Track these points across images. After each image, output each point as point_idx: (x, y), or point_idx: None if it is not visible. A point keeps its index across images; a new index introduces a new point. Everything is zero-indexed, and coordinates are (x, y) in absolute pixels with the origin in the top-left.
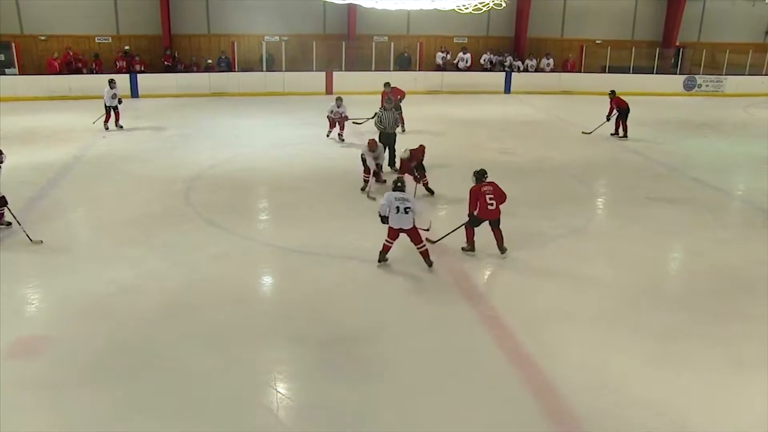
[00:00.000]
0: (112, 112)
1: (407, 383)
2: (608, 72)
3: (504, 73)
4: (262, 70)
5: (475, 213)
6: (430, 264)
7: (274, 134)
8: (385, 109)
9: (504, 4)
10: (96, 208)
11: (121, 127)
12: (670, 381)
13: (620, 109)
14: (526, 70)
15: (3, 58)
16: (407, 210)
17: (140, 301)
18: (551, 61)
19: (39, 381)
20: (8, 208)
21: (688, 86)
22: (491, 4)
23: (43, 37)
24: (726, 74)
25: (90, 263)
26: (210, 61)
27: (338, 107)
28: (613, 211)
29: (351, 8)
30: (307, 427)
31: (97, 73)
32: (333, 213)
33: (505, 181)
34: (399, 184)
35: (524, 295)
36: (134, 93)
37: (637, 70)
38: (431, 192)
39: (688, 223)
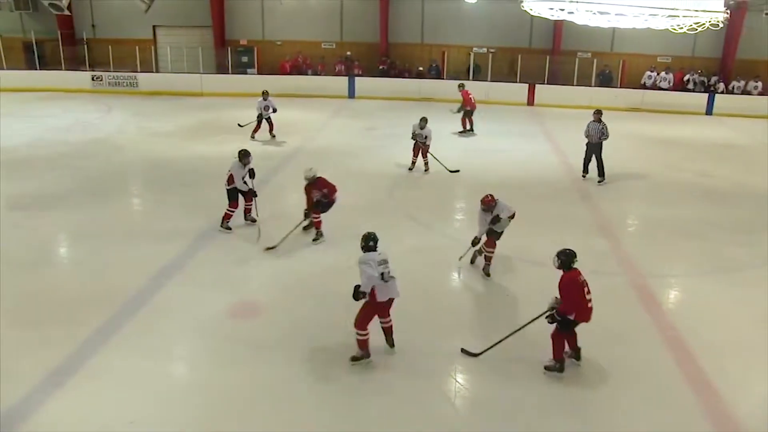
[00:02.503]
0: (265, 123)
1: (582, 392)
2: None
3: (707, 94)
4: (468, 79)
5: (572, 316)
6: (391, 344)
7: (475, 141)
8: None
9: (721, 25)
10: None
11: (274, 136)
12: None
13: None
14: (731, 92)
15: (246, 60)
16: (390, 274)
17: (340, 283)
18: (759, 84)
19: (249, 339)
20: (255, 202)
21: None
22: (707, 25)
23: (279, 42)
24: None
25: (300, 244)
26: (421, 68)
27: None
28: None
29: (557, 23)
30: (476, 421)
31: (320, 74)
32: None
33: (701, 204)
34: (371, 241)
35: (709, 320)
36: (351, 94)
37: None
38: (318, 235)
39: None
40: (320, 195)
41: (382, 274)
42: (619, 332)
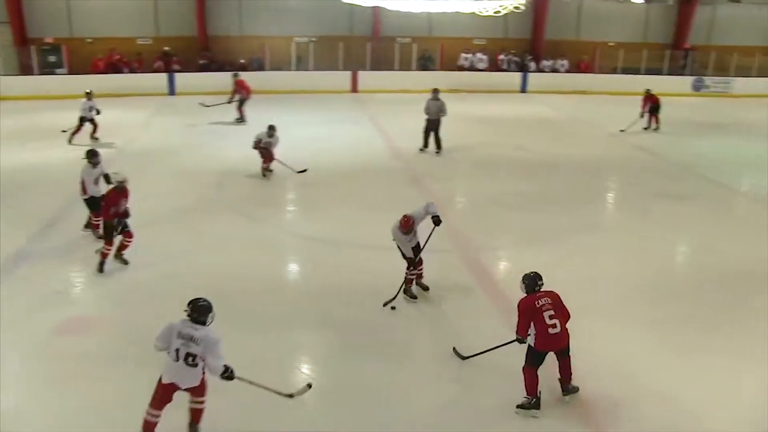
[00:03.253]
0: (88, 125)
1: (426, 367)
2: (621, 73)
3: (520, 73)
4: (291, 70)
5: (532, 344)
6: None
7: (302, 130)
8: None
9: (522, 8)
10: (136, 199)
11: (97, 139)
12: (678, 370)
13: (653, 106)
14: (541, 70)
15: (54, 60)
16: (191, 358)
17: (178, 286)
18: (566, 62)
19: (88, 355)
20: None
21: (697, 87)
22: (510, 8)
23: (89, 40)
24: (734, 76)
25: (131, 251)
26: (243, 61)
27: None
28: (625, 208)
29: (375, 10)
30: (330, 408)
31: (137, 72)
32: (357, 205)
33: (523, 178)
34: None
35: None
36: (171, 91)
37: (649, 72)
38: (123, 261)
39: (696, 219)
40: (122, 207)
41: (177, 350)
42: (457, 307)
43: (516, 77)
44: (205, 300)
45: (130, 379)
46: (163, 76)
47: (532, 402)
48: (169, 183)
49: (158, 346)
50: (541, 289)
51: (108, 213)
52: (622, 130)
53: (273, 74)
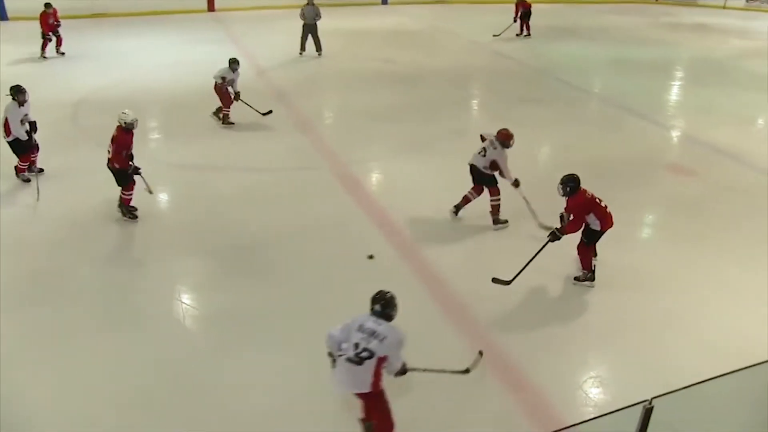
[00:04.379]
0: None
1: (303, 286)
2: None
3: None
4: None
5: (598, 228)
6: None
7: (158, 56)
8: None
9: None
10: None
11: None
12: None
13: (524, 12)
14: None
15: None
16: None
17: (41, 227)
18: None
19: None
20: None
21: None
22: None
23: None
24: None
25: None
26: None
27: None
28: (489, 113)
29: None
30: (213, 333)
31: None
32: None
33: (391, 90)
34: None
35: (408, 194)
36: (2, 16)
37: None
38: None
39: (554, 120)
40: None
41: (357, 344)
42: (332, 219)
43: None
44: (389, 292)
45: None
46: None
47: (588, 275)
48: None
49: (335, 338)
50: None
51: (124, 159)
52: (495, 35)
53: None
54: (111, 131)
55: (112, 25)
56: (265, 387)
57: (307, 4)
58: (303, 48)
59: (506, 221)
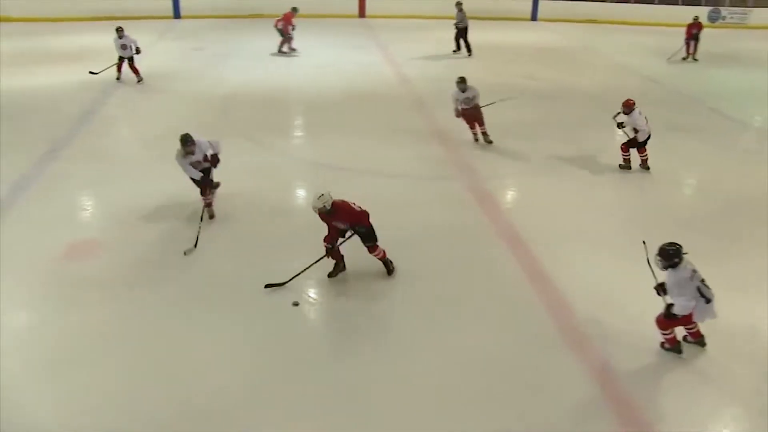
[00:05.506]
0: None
1: (429, 290)
2: (634, 2)
3: (531, 0)
4: None
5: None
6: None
7: (307, 56)
8: None
9: None
10: (140, 123)
11: (140, 80)
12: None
13: (695, 33)
14: None
15: None
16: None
17: (180, 210)
18: None
19: (96, 280)
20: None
21: (713, 18)
22: None
23: None
24: (751, 6)
25: (136, 172)
26: None
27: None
28: None
29: None
30: (331, 329)
31: None
32: (362, 131)
33: (531, 107)
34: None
35: (543, 215)
36: (176, 14)
37: (663, 1)
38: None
39: (703, 151)
40: (344, 225)
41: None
42: (461, 233)
43: (527, 4)
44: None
45: (134, 303)
46: None
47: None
48: (173, 107)
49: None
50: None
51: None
52: (668, 59)
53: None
54: (254, 124)
55: (267, 25)
56: (379, 390)
57: (459, 10)
58: (458, 47)
59: None
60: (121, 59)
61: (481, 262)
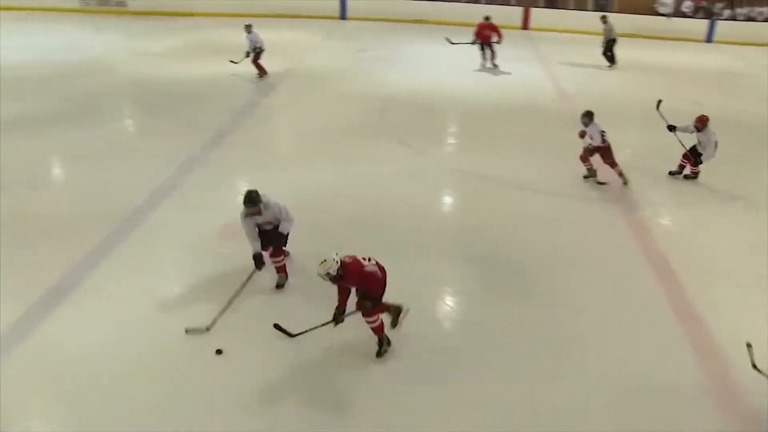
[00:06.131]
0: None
1: (570, 314)
2: None
3: (707, 20)
4: (461, 1)
5: None
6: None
7: (468, 64)
8: None
9: None
10: (298, 118)
11: (260, 76)
12: None
13: None
14: (734, 19)
15: None
16: None
17: (332, 204)
18: (766, 9)
19: (239, 261)
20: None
21: None
22: None
23: None
24: None
25: (290, 164)
26: None
27: None
28: None
29: None
30: (468, 341)
31: None
32: (516, 145)
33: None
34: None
35: (699, 250)
36: (343, 15)
37: None
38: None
39: None
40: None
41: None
42: (607, 257)
43: (702, 25)
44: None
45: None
46: (335, 0)
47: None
48: (332, 105)
49: None
50: None
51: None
52: None
53: (443, 4)
54: (409, 128)
55: (431, 30)
56: (496, 405)
57: (604, 23)
58: (609, 60)
59: None
60: (249, 55)
61: (625, 291)
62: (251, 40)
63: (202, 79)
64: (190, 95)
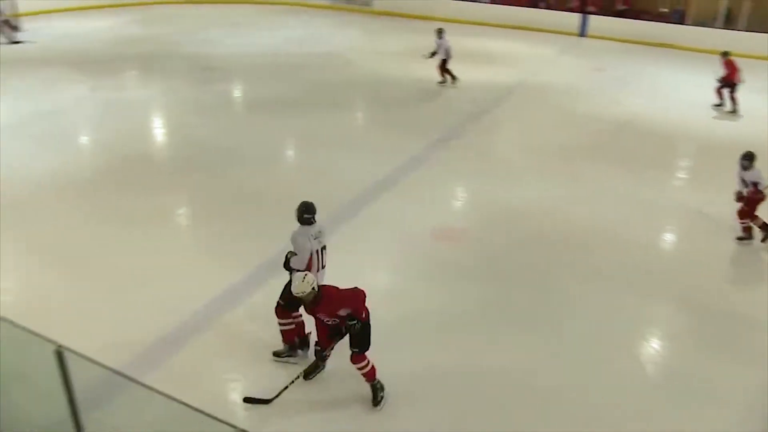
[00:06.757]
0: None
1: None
2: None
3: None
4: (717, 27)
5: None
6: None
7: (702, 95)
8: None
9: None
10: (525, 131)
11: (441, 81)
12: None
13: None
14: None
15: None
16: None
17: (537, 223)
18: None
19: (453, 264)
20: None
21: None
22: None
23: None
24: None
25: (508, 176)
26: (664, 10)
27: None
28: None
29: None
30: (668, 390)
31: (553, 9)
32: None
33: None
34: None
35: None
36: (582, 32)
37: None
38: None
39: None
40: (331, 318)
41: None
42: (740, 299)
43: None
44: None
45: (476, 292)
46: (575, 16)
47: None
48: (560, 122)
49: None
50: None
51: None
52: None
53: (693, 30)
54: (639, 155)
55: (675, 55)
56: None
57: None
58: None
59: None
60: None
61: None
62: (440, 45)
63: (432, 80)
64: (420, 96)
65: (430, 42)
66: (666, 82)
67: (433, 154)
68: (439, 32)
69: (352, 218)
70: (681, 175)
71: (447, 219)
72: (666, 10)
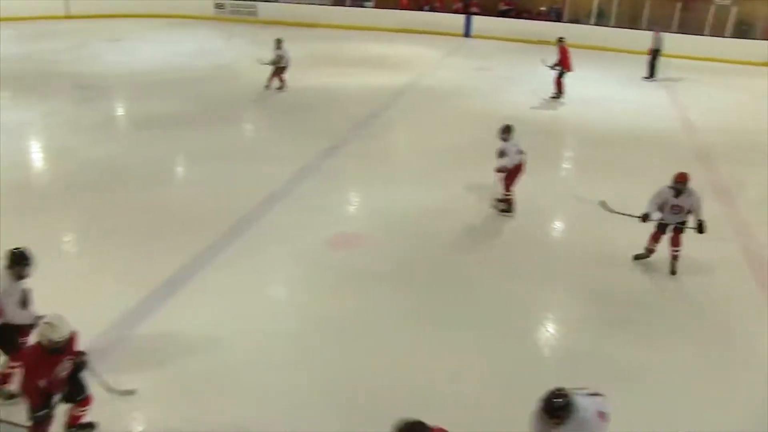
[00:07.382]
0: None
1: (681, 355)
2: None
3: None
4: (589, 23)
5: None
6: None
7: (590, 89)
8: None
9: None
10: (417, 133)
11: (270, 86)
12: None
13: None
14: None
15: None
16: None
17: (443, 223)
18: None
19: (347, 269)
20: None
21: None
22: None
23: None
24: None
25: (403, 180)
26: (543, 8)
27: None
28: None
29: None
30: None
31: (437, 11)
32: (630, 174)
33: None
34: None
35: None
36: (467, 33)
37: None
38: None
39: None
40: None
41: None
42: (723, 297)
43: None
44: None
45: (381, 298)
46: (460, 18)
47: None
48: (451, 122)
49: None
50: None
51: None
52: None
53: (569, 27)
54: (528, 151)
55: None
56: None
57: None
58: None
59: None
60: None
61: (739, 336)
62: (279, 55)
63: (321, 88)
64: (310, 104)
65: (316, 47)
66: (547, 77)
67: (325, 161)
68: (278, 43)
69: (246, 232)
70: (564, 165)
71: (344, 226)
72: (544, 8)
